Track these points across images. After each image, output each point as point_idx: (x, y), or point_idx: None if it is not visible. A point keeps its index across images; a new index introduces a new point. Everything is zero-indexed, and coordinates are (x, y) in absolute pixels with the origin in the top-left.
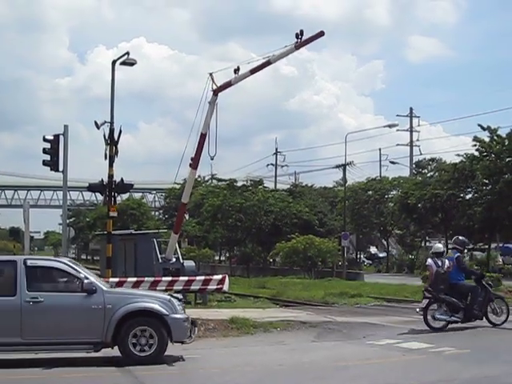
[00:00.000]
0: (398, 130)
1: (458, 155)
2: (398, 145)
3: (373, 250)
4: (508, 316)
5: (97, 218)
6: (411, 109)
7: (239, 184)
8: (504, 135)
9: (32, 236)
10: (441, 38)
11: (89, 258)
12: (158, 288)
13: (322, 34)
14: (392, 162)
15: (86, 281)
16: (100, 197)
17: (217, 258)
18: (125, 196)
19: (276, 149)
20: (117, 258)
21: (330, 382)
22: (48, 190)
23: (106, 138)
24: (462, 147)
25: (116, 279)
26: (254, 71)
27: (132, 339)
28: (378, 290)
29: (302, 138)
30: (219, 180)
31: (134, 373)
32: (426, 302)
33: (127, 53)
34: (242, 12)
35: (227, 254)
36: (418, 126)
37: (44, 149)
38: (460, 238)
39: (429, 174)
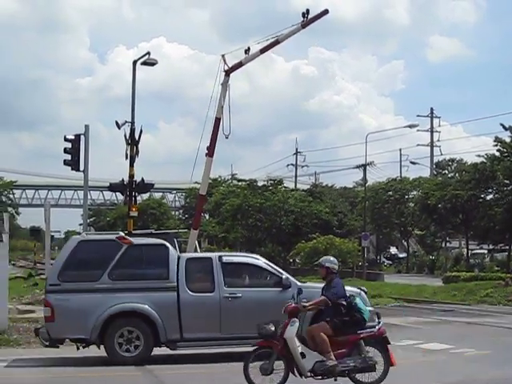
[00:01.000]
0: (418, 131)
1: (479, 156)
2: (418, 145)
3: (393, 250)
4: None
5: (117, 218)
6: (432, 109)
7: (259, 184)
8: None
9: (52, 235)
10: (461, 38)
11: None
12: None
13: (326, 12)
14: (412, 163)
15: (283, 276)
16: (120, 196)
17: None
18: (145, 196)
19: (296, 149)
20: None
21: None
22: (69, 189)
23: (127, 137)
24: (482, 148)
25: None
26: (263, 50)
27: None
28: (398, 290)
29: (322, 139)
30: (239, 180)
31: (153, 372)
32: None
33: (148, 53)
34: (262, 12)
35: None
36: (439, 126)
37: (65, 148)
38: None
39: (449, 175)
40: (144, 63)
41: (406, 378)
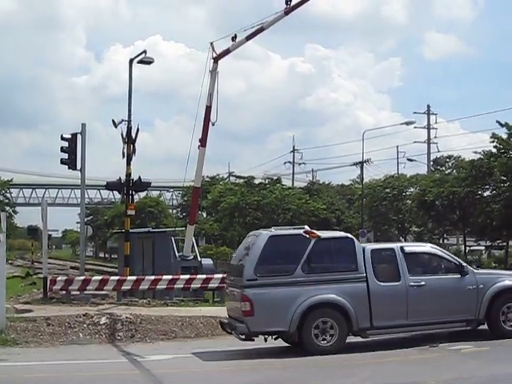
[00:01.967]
0: (415, 128)
1: (476, 152)
2: (415, 142)
3: None
4: None
5: (115, 216)
6: (428, 106)
7: (256, 182)
8: None
9: (50, 234)
10: (458, 35)
11: (107, 256)
12: (175, 286)
13: None
14: (409, 160)
15: (461, 263)
16: (118, 195)
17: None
18: (142, 194)
19: (293, 146)
20: (135, 256)
21: (347, 381)
22: (66, 188)
23: (124, 136)
24: (479, 144)
25: (134, 277)
26: (249, 38)
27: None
28: None
29: (319, 136)
30: (237, 177)
31: (152, 371)
32: None
33: (144, 51)
34: (258, 9)
35: None
36: (436, 123)
37: (62, 147)
38: None
39: (447, 172)
40: (140, 61)
41: (402, 376)
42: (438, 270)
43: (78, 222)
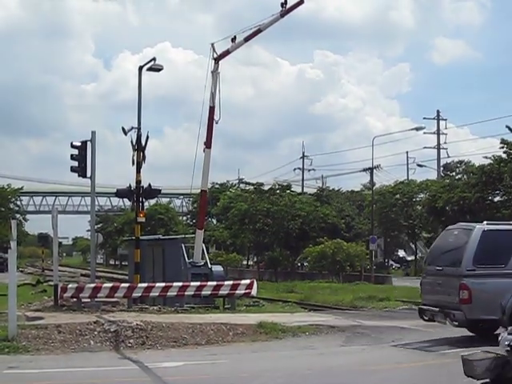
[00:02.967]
0: (424, 133)
1: (486, 157)
2: (425, 147)
3: (401, 253)
4: None
5: (125, 224)
6: (438, 111)
7: (266, 188)
8: None
9: (60, 242)
10: (466, 40)
11: (117, 263)
12: (186, 293)
13: (301, 2)
14: (419, 165)
15: None
16: (128, 202)
17: (244, 262)
18: (152, 201)
19: (303, 153)
20: (145, 264)
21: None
22: (76, 195)
23: (134, 143)
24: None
25: (145, 284)
26: (247, 39)
27: None
28: (407, 293)
29: (329, 142)
30: (246, 183)
31: (163, 378)
32: None
33: (154, 58)
34: (266, 15)
35: (255, 259)
36: (445, 128)
37: (72, 155)
38: None
39: (457, 177)
40: (150, 69)
41: (415, 382)
42: None
43: (88, 230)
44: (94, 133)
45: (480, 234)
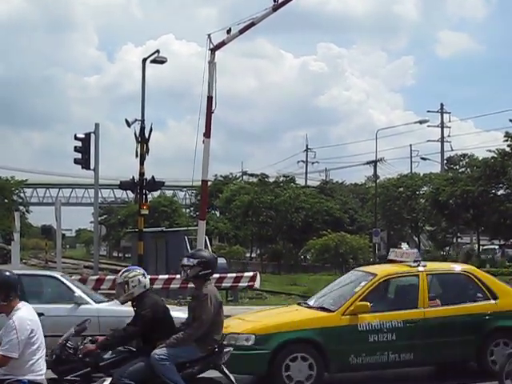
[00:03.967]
0: (428, 126)
1: (490, 151)
2: (428, 141)
3: (404, 246)
4: None
5: (128, 216)
6: (442, 104)
7: (270, 180)
8: None
9: (64, 234)
10: (470, 33)
11: (120, 255)
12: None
13: None
14: (423, 159)
15: None
16: (131, 194)
17: (248, 255)
18: (156, 193)
19: (306, 145)
20: (148, 256)
21: (367, 381)
22: (79, 187)
23: (137, 136)
24: (493, 143)
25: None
26: (241, 31)
27: None
28: None
29: (332, 135)
30: (250, 175)
31: None
32: None
33: (157, 51)
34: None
35: (258, 251)
36: (449, 121)
37: (75, 147)
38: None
39: (460, 170)
40: (153, 61)
41: (422, 374)
42: None
43: (91, 222)
44: (97, 125)
45: None
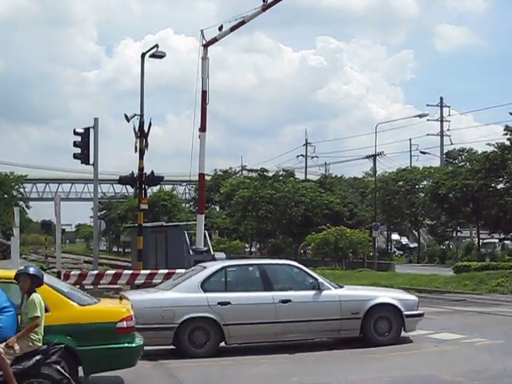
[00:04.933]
0: (428, 120)
1: (489, 144)
2: (428, 135)
3: (404, 240)
4: None
5: (128, 211)
6: (441, 98)
7: (270, 175)
8: None
9: (63, 229)
10: (470, 27)
11: (120, 250)
12: None
13: None
14: (422, 152)
15: None
16: (131, 189)
17: (247, 249)
18: (155, 188)
19: (306, 140)
20: (148, 250)
21: (363, 374)
22: (79, 182)
23: (136, 130)
24: (492, 136)
25: (147, 271)
26: (232, 29)
27: None
28: (409, 280)
29: (332, 129)
30: (249, 170)
31: (165, 365)
32: None
33: (156, 45)
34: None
35: (258, 246)
36: (449, 115)
37: (74, 142)
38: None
39: (460, 164)
40: (152, 56)
41: (417, 368)
42: None
43: (91, 217)
44: (96, 120)
45: None
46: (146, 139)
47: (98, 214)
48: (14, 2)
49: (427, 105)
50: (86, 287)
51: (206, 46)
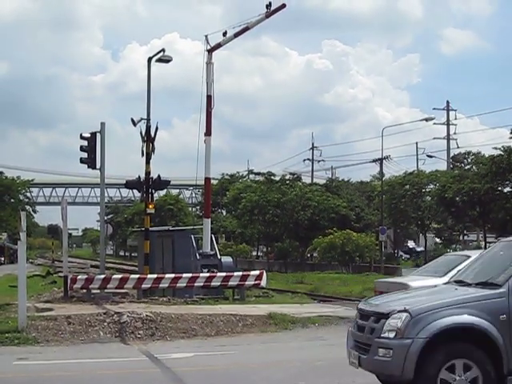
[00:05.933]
0: (434, 124)
1: (496, 148)
2: (434, 138)
3: (410, 244)
4: None
5: (134, 215)
6: (448, 102)
7: (276, 179)
8: None
9: (70, 233)
10: (475, 30)
11: (127, 254)
12: (195, 284)
13: (283, 6)
14: (429, 156)
15: None
16: (137, 193)
17: (254, 253)
18: (162, 192)
19: (312, 144)
20: (154, 255)
21: (369, 378)
22: (86, 187)
23: (143, 135)
24: (499, 140)
25: (154, 275)
26: (236, 35)
27: None
28: None
29: (338, 133)
30: (256, 174)
31: (172, 369)
32: None
33: (163, 50)
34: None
35: (264, 250)
36: (455, 119)
37: (81, 146)
38: None
39: (466, 168)
40: (159, 60)
41: None
42: None
43: (98, 221)
44: (103, 124)
45: None
46: (153, 143)
47: (105, 218)
48: (20, 5)
49: (433, 108)
50: (93, 291)
51: (210, 52)
